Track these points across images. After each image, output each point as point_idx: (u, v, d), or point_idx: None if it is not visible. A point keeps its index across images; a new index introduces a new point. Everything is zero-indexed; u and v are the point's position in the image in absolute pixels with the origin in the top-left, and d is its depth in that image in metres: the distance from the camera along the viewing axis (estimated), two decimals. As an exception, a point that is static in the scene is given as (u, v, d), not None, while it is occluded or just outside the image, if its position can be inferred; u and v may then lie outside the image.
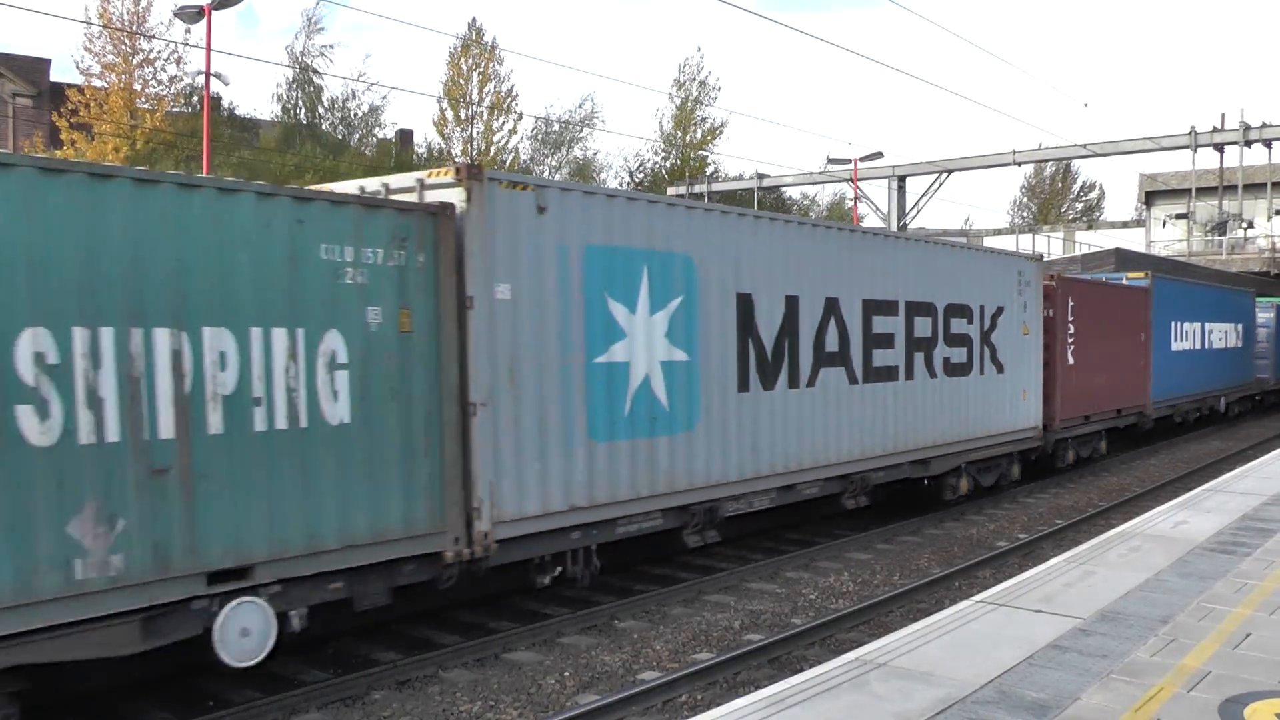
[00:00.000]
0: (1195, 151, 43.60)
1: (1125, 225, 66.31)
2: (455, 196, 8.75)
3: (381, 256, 8.13)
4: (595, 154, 64.71)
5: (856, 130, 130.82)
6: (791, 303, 12.31)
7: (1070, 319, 18.96)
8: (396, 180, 9.35)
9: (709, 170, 61.46)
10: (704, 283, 11.08)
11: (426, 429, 8.42)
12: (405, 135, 57.42)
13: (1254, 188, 47.25)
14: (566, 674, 8.75)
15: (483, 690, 8.36)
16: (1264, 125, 41.98)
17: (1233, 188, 45.05)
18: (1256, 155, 44.86)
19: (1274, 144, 42.90)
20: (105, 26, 39.07)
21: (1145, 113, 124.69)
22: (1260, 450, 23.17)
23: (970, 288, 15.86)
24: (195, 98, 41.32)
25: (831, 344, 12.95)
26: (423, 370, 8.40)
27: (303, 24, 58.05)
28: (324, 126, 51.08)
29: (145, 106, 40.44)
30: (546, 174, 60.10)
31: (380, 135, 54.79)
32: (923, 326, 14.70)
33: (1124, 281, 23.31)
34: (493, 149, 53.93)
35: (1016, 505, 17.11)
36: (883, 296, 13.90)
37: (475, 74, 53.14)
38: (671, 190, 60.21)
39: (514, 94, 53.75)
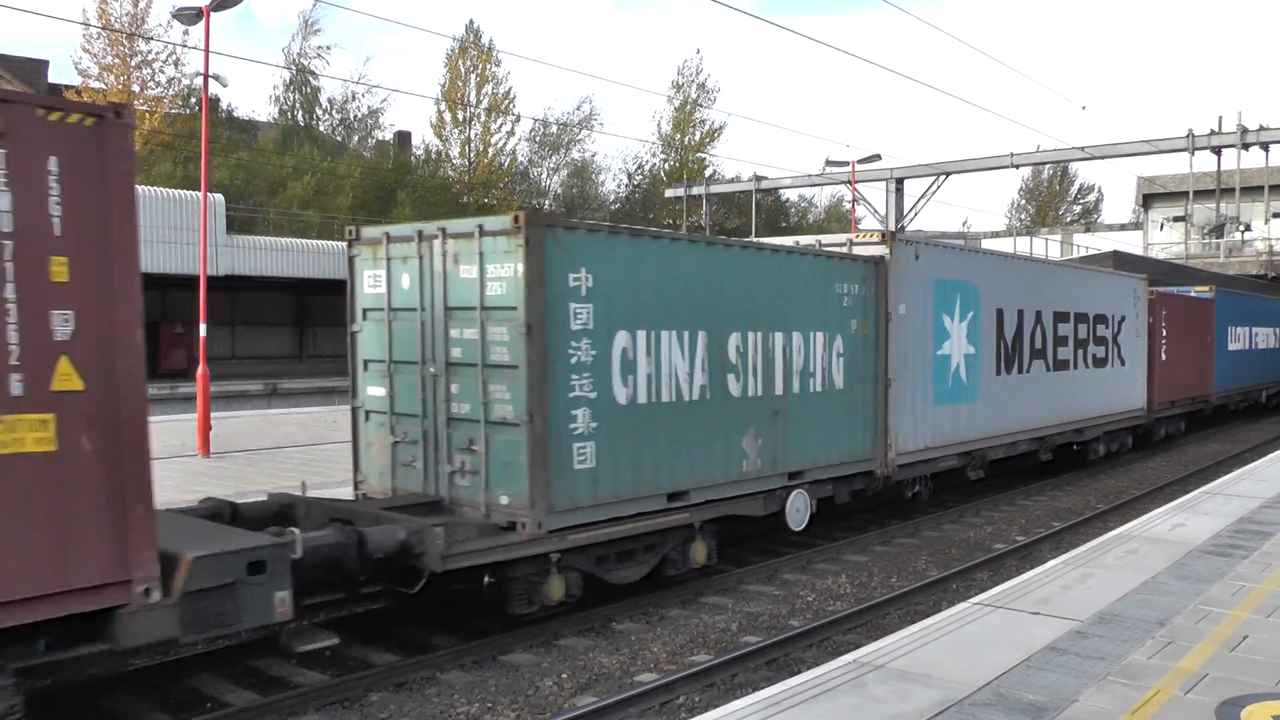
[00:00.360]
0: (1193, 154, 43.67)
1: (1123, 228, 66.46)
2: (879, 250, 13.92)
3: (857, 289, 13.26)
4: (594, 156, 64.61)
5: (854, 132, 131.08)
6: (1019, 314, 17.34)
7: (1164, 325, 24.24)
8: (827, 239, 14.95)
9: (707, 172, 61.50)
10: (982, 301, 16.21)
11: (873, 394, 13.61)
12: (403, 137, 57.47)
13: (1251, 190, 47.32)
14: (564, 676, 8.74)
15: (480, 692, 8.36)
16: (1261, 128, 42.06)
17: (1230, 190, 45.11)
18: (1254, 158, 44.95)
19: (1271, 147, 42.96)
20: (104, 28, 39.07)
21: (1143, 116, 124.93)
22: (1257, 453, 23.19)
23: (1108, 301, 21.03)
24: (193, 99, 41.32)
25: (1037, 343, 17.94)
26: (870, 358, 13.56)
27: (299, 26, 58.08)
28: (322, 128, 51.10)
29: (143, 108, 40.44)
30: (544, 175, 60.14)
31: (379, 137, 54.85)
32: (1082, 330, 19.74)
33: (1192, 294, 28.36)
34: (490, 151, 53.97)
35: (1014, 507, 17.13)
36: (1062, 309, 18.94)
37: (473, 76, 53.21)
38: (669, 192, 60.30)
39: (511, 96, 53.83)
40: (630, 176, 63.93)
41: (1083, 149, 45.14)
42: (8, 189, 5.68)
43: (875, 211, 50.82)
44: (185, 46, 39.58)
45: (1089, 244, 55.46)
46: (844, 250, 14.01)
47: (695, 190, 58.11)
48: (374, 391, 10.69)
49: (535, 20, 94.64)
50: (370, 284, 10.68)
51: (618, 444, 9.94)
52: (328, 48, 67.68)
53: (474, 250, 9.53)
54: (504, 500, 9.44)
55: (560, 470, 9.41)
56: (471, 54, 52.39)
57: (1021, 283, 17.55)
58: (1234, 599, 8.10)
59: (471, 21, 74.03)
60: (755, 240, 14.06)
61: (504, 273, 9.33)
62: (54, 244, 5.85)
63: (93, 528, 5.95)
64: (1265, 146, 42.89)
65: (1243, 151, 43.09)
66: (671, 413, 10.55)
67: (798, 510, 12.35)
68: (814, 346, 12.49)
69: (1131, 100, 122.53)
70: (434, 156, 54.70)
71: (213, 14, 18.81)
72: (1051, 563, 9.66)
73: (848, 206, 60.25)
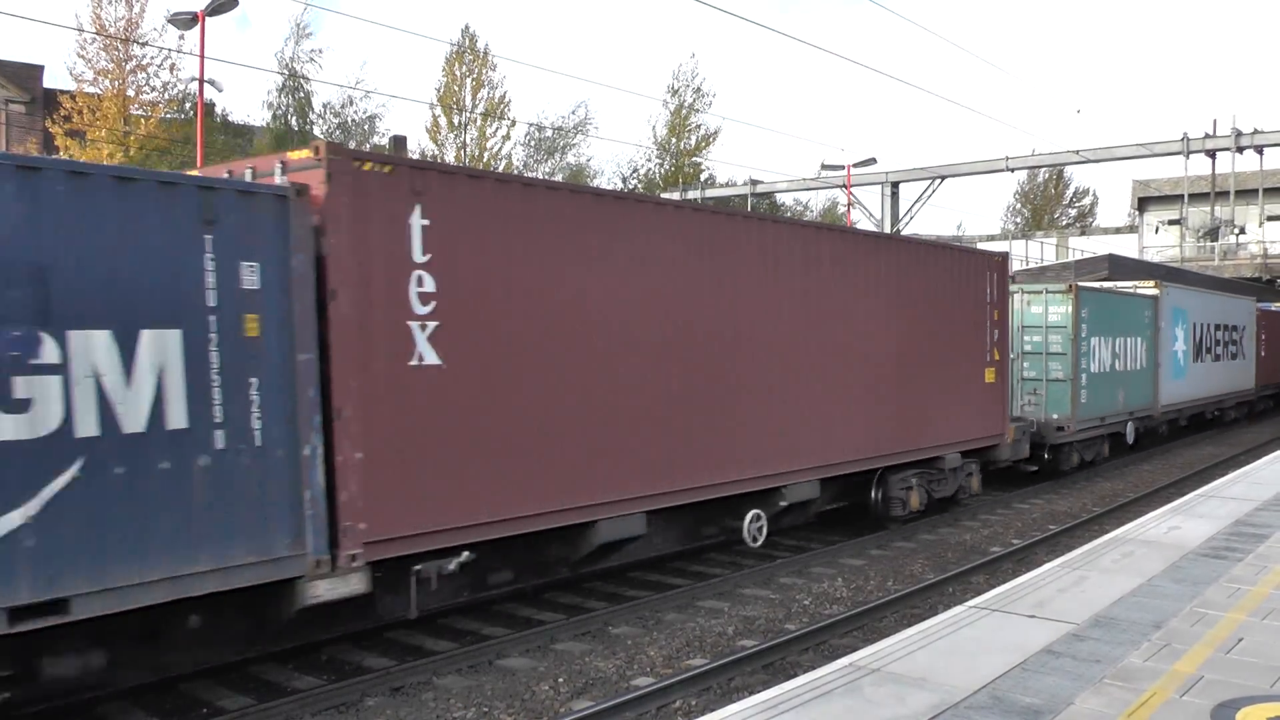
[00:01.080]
0: (1188, 157, 43.74)
1: (1118, 231, 66.48)
2: (1154, 292, 24.20)
3: (1150, 315, 23.89)
4: (589, 160, 64.69)
5: (850, 136, 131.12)
6: (1202, 326, 27.27)
7: (1262, 332, 34.66)
8: (1124, 286, 25.40)
9: (703, 176, 61.52)
10: (1189, 318, 26.12)
11: (1152, 371, 23.73)
12: (399, 141, 57.40)
13: (1246, 193, 47.39)
14: (560, 680, 8.74)
15: (476, 697, 8.35)
16: (1255, 131, 42.15)
17: (1225, 194, 45.20)
18: (1248, 161, 45.02)
19: (1265, 150, 43.05)
20: (98, 33, 39.04)
21: (1138, 119, 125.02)
22: (1252, 456, 23.22)
23: (1238, 315, 31.22)
24: (189, 104, 41.31)
25: (1208, 344, 27.85)
26: (1151, 352, 23.64)
27: (291, 30, 58.15)
28: (318, 132, 51.04)
29: (139, 113, 40.40)
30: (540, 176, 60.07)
31: (375, 142, 54.80)
32: (1227, 335, 29.63)
33: (1273, 308, 38.15)
34: (486, 155, 53.97)
35: (1010, 510, 17.15)
36: (1220, 321, 29.08)
37: (469, 80, 53.20)
38: (665, 196, 60.30)
39: (507, 100, 53.80)
40: (625, 180, 63.90)
41: (1078, 152, 45.21)
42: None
43: (870, 215, 50.83)
44: (180, 51, 39.55)
45: (1084, 247, 55.51)
46: (1139, 292, 24.10)
47: (691, 194, 58.12)
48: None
49: (529, 24, 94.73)
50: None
51: (1099, 389, 20.49)
52: (319, 51, 67.65)
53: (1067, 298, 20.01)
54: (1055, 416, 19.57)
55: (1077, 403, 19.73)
56: (467, 58, 52.39)
57: (1203, 304, 27.79)
58: (1230, 601, 8.11)
59: (467, 26, 73.97)
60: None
61: (1059, 310, 19.97)
62: None
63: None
64: (1259, 150, 42.97)
65: (1237, 155, 43.17)
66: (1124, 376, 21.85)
67: (1128, 435, 22.51)
68: (1132, 344, 22.46)
69: (1126, 104, 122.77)
70: (430, 160, 54.69)
71: (207, 18, 18.80)
72: (1047, 566, 9.66)
73: (843, 210, 60.30)
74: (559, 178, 59.18)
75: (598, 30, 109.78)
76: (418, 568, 8.48)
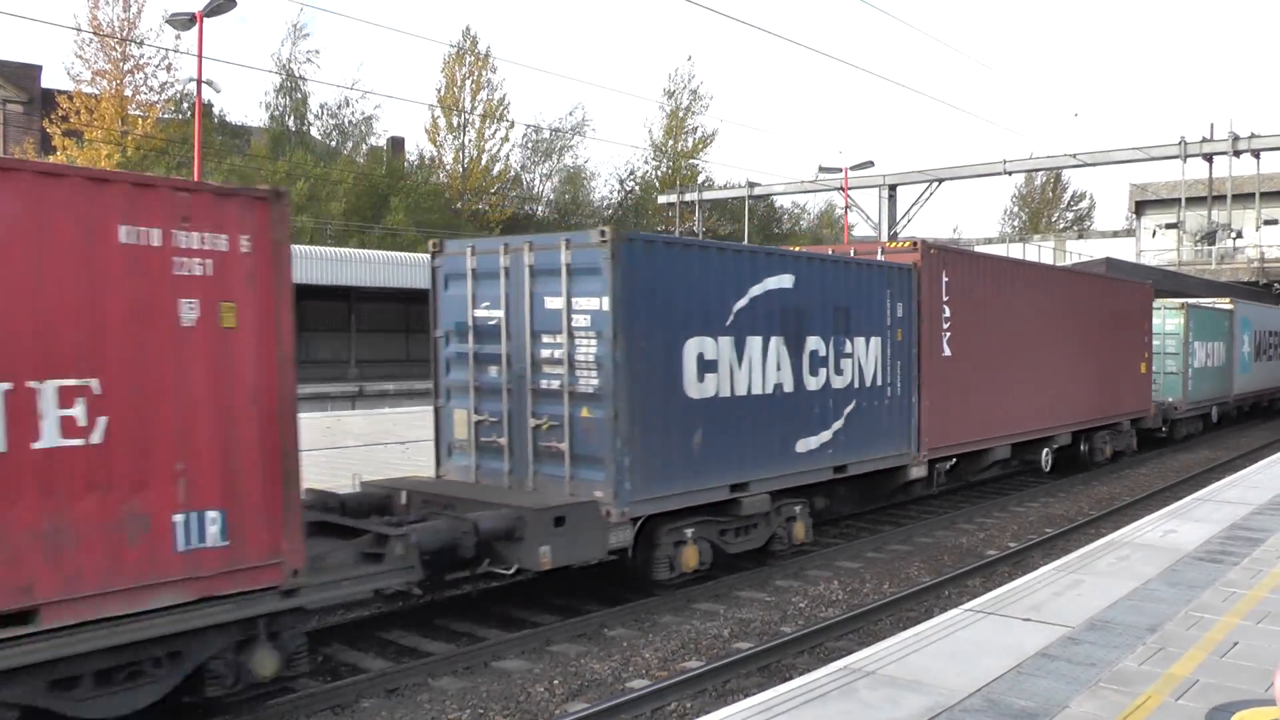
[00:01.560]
0: (1185, 161, 43.84)
1: (1115, 235, 66.60)
2: (1229, 307, 31.33)
3: (1228, 324, 30.71)
4: (585, 162, 64.63)
5: (848, 139, 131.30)
6: (1260, 331, 33.64)
7: None
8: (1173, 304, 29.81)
9: (700, 179, 61.51)
10: (1251, 326, 32.71)
11: (1229, 369, 30.01)
12: (396, 142, 57.42)
13: (1243, 197, 47.48)
14: (555, 682, 8.73)
15: (472, 698, 8.34)
16: (1252, 135, 42.24)
17: (1222, 198, 45.28)
18: (1245, 165, 45.10)
19: (1262, 154, 43.14)
20: (95, 33, 39.02)
21: (1135, 123, 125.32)
22: (1248, 460, 23.24)
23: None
24: (186, 104, 41.28)
25: (1264, 346, 34.22)
26: (1228, 350, 29.98)
27: (289, 31, 58.06)
28: (314, 133, 51.02)
29: (136, 113, 40.40)
30: (536, 181, 60.08)
31: (372, 143, 54.79)
32: (1278, 338, 36.33)
33: None
34: (485, 158, 53.95)
35: (1007, 514, 17.14)
36: (1272, 328, 35.61)
37: (468, 82, 53.20)
38: (662, 199, 60.31)
39: (506, 102, 53.81)
40: (622, 183, 63.91)
41: (1075, 156, 45.30)
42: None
43: (868, 218, 50.90)
44: (177, 51, 39.54)
45: (1082, 250, 55.59)
46: (1218, 306, 30.11)
47: (688, 196, 58.15)
48: None
49: (526, 25, 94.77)
50: None
51: (1198, 381, 27.73)
52: (316, 52, 67.65)
53: None
54: (1170, 399, 26.52)
55: None
56: (468, 60, 52.39)
57: (1261, 315, 34.67)
58: (1225, 605, 8.12)
59: (468, 28, 73.93)
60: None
61: (1173, 322, 26.54)
62: None
63: None
64: (1256, 154, 43.08)
65: (1234, 159, 43.26)
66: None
67: (1213, 416, 28.46)
68: (1217, 347, 28.17)
69: (1123, 108, 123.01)
70: (428, 162, 54.71)
71: (205, 18, 18.80)
72: (1043, 569, 9.67)
73: (840, 213, 60.34)
74: (555, 179, 59.15)
75: (594, 32, 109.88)
76: (941, 463, 15.40)
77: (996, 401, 16.38)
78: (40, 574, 6.09)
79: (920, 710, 5.83)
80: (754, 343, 11.38)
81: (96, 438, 6.31)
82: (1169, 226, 56.62)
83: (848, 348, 12.90)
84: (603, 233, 9.88)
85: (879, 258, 14.26)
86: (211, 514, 6.82)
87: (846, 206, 49.64)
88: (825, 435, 12.54)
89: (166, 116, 42.71)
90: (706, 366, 10.79)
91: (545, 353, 10.40)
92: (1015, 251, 51.79)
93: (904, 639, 7.34)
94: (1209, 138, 43.49)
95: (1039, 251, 53.94)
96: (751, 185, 56.93)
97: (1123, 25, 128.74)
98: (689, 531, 10.96)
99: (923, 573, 12.95)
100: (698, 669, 8.80)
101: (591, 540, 9.74)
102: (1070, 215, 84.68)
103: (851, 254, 14.10)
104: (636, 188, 63.40)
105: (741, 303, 11.22)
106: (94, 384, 6.32)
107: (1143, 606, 8.08)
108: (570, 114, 61.29)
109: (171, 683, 6.93)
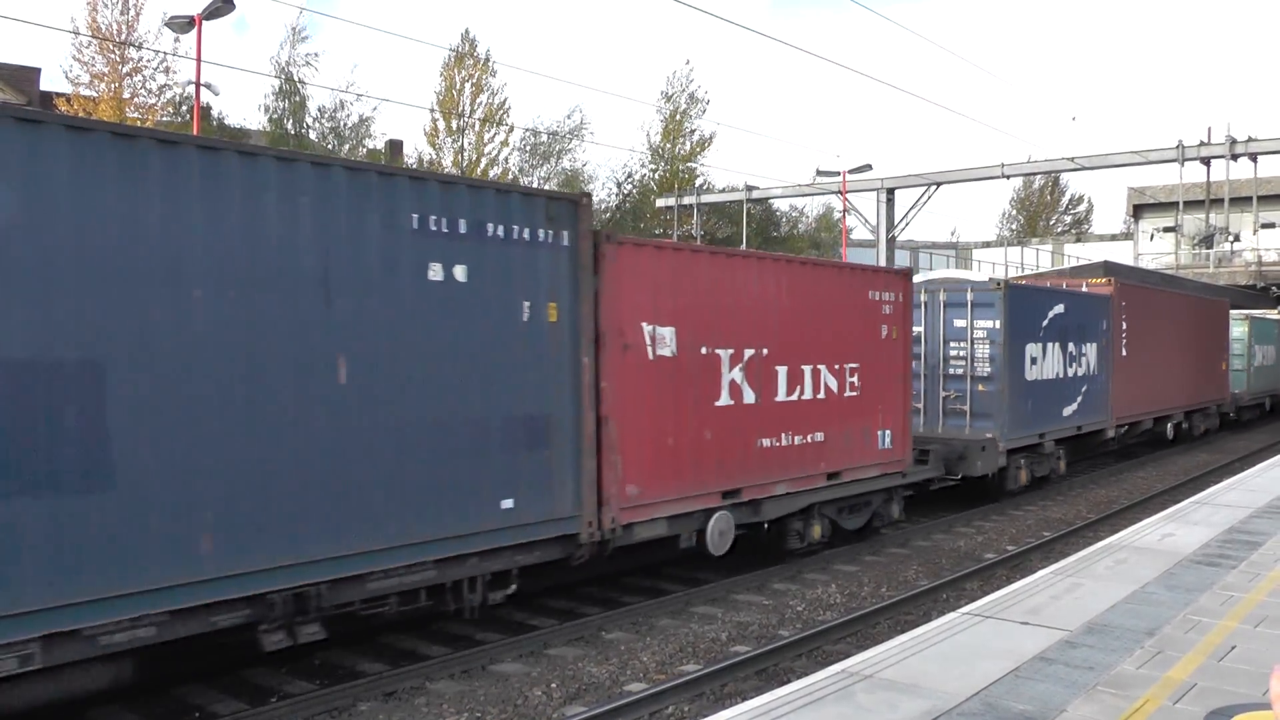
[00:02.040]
0: (1182, 165, 43.79)
1: (1113, 238, 66.68)
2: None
3: None
4: (584, 165, 64.51)
5: (846, 142, 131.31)
6: None
7: None
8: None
9: (698, 182, 61.49)
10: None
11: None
12: (395, 145, 57.38)
13: (1240, 201, 47.48)
14: (553, 685, 8.72)
15: (469, 701, 8.33)
16: (1250, 139, 42.23)
17: (1219, 201, 45.29)
18: (1243, 169, 45.11)
19: (1260, 158, 43.14)
20: (94, 36, 39.00)
21: (1133, 126, 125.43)
22: (1246, 463, 23.27)
23: None
24: (185, 107, 41.27)
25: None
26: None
27: (287, 34, 58.04)
28: (312, 136, 50.97)
29: (135, 116, 40.36)
30: (534, 184, 60.07)
31: (370, 146, 54.74)
32: None
33: None
34: (483, 160, 53.92)
35: (1005, 517, 17.15)
36: None
37: (468, 86, 53.18)
38: (660, 202, 60.28)
39: (506, 106, 53.79)
40: (619, 186, 63.86)
41: (1073, 159, 45.28)
42: None
43: (866, 221, 50.85)
44: (176, 55, 39.52)
45: (1080, 254, 55.64)
46: (1268, 316, 33.19)
47: (686, 200, 58.11)
48: None
49: (523, 28, 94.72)
50: None
51: (1256, 376, 34.16)
52: (316, 55, 67.56)
53: None
54: (1236, 391, 32.63)
55: None
56: (467, 64, 52.36)
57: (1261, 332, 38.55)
58: (1223, 609, 8.12)
59: (467, 31, 73.87)
60: None
61: (1239, 329, 32.19)
62: None
63: None
64: (1254, 157, 43.05)
65: (1232, 162, 43.25)
66: None
67: (1266, 405, 34.20)
68: (1270, 350, 34.35)
69: (1121, 111, 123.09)
70: (427, 165, 54.60)
71: (204, 22, 18.80)
72: (1041, 573, 9.67)
73: (838, 216, 60.38)
74: (554, 183, 59.15)
75: (592, 35, 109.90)
76: (1121, 427, 21.65)
77: (1149, 388, 23.16)
78: (840, 456, 13.01)
79: (918, 714, 5.83)
80: (1052, 347, 18.58)
81: (860, 393, 13.29)
82: (1167, 230, 56.69)
83: (1085, 349, 19.86)
84: (998, 283, 17.43)
85: (1083, 289, 21.15)
86: (888, 432, 13.88)
87: (844, 210, 49.63)
88: (1073, 406, 19.59)
89: (165, 119, 42.67)
90: (1032, 361, 17.88)
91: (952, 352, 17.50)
92: (1013, 255, 51.79)
93: (902, 642, 7.33)
94: (1206, 141, 43.47)
95: (1036, 255, 54.04)
96: (749, 188, 56.86)
97: (1120, 29, 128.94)
98: (1023, 460, 18.13)
99: (920, 576, 12.95)
100: (696, 672, 8.80)
101: (990, 460, 16.54)
102: (1068, 218, 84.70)
103: (1083, 288, 21.23)
104: (634, 191, 63.36)
105: (1045, 321, 18.45)
106: (858, 365, 13.30)
107: (1141, 610, 8.08)
108: (568, 117, 61.06)
109: (866, 517, 14.02)
